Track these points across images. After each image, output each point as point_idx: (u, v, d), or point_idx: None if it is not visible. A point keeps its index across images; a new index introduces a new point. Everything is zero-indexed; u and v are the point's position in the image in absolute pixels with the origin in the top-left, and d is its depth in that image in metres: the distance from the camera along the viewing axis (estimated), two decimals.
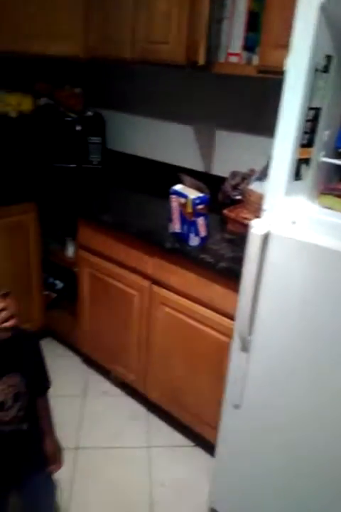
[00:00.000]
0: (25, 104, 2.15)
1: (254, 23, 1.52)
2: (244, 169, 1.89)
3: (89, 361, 2.28)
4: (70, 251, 2.20)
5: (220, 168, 2.09)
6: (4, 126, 2.15)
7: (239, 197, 1.81)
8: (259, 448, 1.31)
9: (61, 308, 2.40)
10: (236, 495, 1.44)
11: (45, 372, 1.20)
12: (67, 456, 1.77)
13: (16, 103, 2.11)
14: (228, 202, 1.85)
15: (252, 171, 1.79)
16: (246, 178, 1.81)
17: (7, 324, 1.00)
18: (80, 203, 2.03)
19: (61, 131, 2.20)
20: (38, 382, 1.17)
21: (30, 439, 1.16)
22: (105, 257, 1.93)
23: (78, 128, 2.16)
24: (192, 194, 1.49)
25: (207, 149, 2.16)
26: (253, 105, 1.90)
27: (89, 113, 2.30)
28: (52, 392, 2.08)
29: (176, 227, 1.60)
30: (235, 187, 1.85)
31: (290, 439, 1.24)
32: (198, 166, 2.20)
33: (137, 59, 1.85)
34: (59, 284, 2.46)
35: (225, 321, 1.53)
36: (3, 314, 1.00)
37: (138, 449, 1.85)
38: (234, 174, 1.90)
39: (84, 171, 2.27)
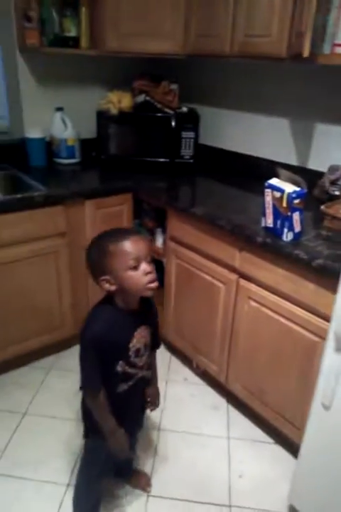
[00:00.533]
0: (125, 101, 2.27)
1: None
2: None
3: (173, 349, 2.36)
4: (159, 241, 2.28)
5: (317, 162, 2.03)
6: (107, 123, 2.31)
7: (337, 192, 1.74)
8: None
9: None
10: (318, 495, 1.40)
11: (158, 332, 1.40)
12: (151, 435, 1.88)
13: (117, 100, 2.24)
14: (325, 198, 1.78)
15: None
16: None
17: (152, 285, 1.15)
18: (171, 195, 2.11)
19: (157, 126, 2.29)
20: (155, 339, 1.36)
21: (147, 384, 1.39)
22: (193, 248, 1.98)
23: (173, 123, 2.23)
24: (289, 188, 1.47)
25: (303, 143, 2.10)
26: None
27: (184, 109, 2.36)
28: None
29: (269, 221, 1.59)
30: (334, 182, 1.78)
31: None
32: (292, 159, 2.15)
33: (236, 53, 1.86)
34: None
35: (316, 319, 1.49)
36: (150, 277, 1.14)
37: (216, 438, 1.88)
38: (333, 169, 1.82)
39: (177, 166, 2.35)
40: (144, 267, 1.12)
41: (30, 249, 1.97)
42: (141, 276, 1.12)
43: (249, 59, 1.89)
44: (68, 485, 1.63)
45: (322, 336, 1.42)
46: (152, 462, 1.76)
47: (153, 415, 1.96)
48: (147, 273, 1.12)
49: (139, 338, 1.23)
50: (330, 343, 1.26)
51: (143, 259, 1.12)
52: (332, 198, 1.71)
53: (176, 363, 2.33)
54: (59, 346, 2.30)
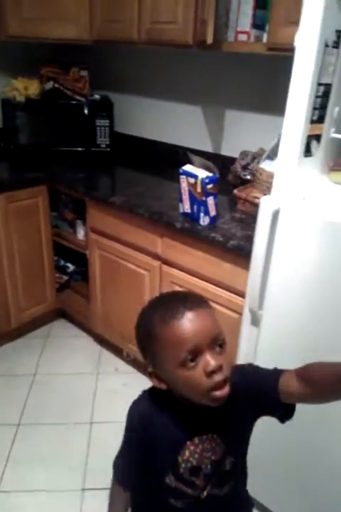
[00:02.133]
0: (32, 88, 2.16)
1: (263, 0, 1.51)
2: (254, 149, 1.90)
3: (102, 340, 2.34)
4: (81, 234, 2.23)
5: (230, 148, 2.11)
6: (13, 111, 2.17)
7: (249, 177, 1.83)
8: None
9: (73, 290, 2.45)
10: None
11: (244, 455, 0.92)
12: (83, 430, 1.85)
13: (23, 87, 2.12)
14: (238, 182, 1.86)
15: (262, 150, 1.80)
16: (256, 157, 1.82)
17: (218, 394, 0.74)
18: (89, 185, 2.06)
19: (69, 114, 2.21)
20: (238, 464, 0.89)
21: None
22: (115, 238, 1.96)
23: (85, 111, 2.17)
24: (202, 174, 1.51)
25: (216, 129, 2.17)
26: (263, 84, 1.90)
27: (97, 96, 2.31)
28: (66, 371, 2.17)
29: (186, 207, 1.62)
30: (245, 167, 1.86)
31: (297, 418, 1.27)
32: (207, 146, 2.21)
33: (144, 40, 1.85)
34: (70, 267, 2.50)
35: (236, 298, 1.56)
36: (217, 379, 0.73)
37: None
38: (244, 154, 1.91)
39: (93, 155, 2.29)
40: (207, 361, 0.72)
41: None
42: (201, 376, 0.73)
43: (157, 46, 1.89)
44: None
45: (240, 312, 1.50)
46: (85, 457, 1.74)
47: (83, 410, 1.95)
48: (210, 372, 0.72)
49: (195, 451, 0.83)
50: (246, 317, 1.33)
51: (205, 348, 0.73)
52: (245, 182, 1.80)
53: (106, 355, 2.32)
54: None
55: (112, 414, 1.93)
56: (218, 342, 0.75)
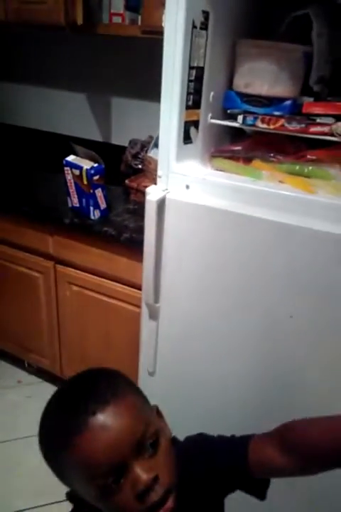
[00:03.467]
0: None
1: None
2: (143, 137, 1.85)
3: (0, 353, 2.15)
4: None
5: (120, 137, 2.02)
6: None
7: (140, 166, 1.77)
8: (176, 415, 1.35)
9: None
10: None
11: None
12: None
13: None
14: (130, 172, 1.80)
15: (150, 138, 1.76)
16: (145, 145, 1.77)
17: (165, 510, 0.55)
18: None
19: None
20: None
21: None
22: (1, 240, 1.78)
23: None
24: (87, 164, 1.42)
25: (103, 118, 2.07)
26: (145, 69, 1.85)
27: None
28: None
29: (74, 201, 1.52)
30: (135, 156, 1.80)
31: (204, 407, 1.29)
32: (96, 135, 2.11)
33: (12, 20, 1.67)
34: None
35: (135, 292, 1.51)
36: (155, 497, 0.54)
37: None
38: (133, 142, 1.84)
39: None
40: (134, 478, 0.53)
41: None
42: (131, 500, 0.54)
43: (29, 28, 1.73)
44: None
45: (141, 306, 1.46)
46: None
47: None
48: (141, 491, 0.53)
49: None
50: (144, 311, 1.30)
51: (129, 460, 0.54)
52: (136, 172, 1.74)
53: (6, 367, 2.12)
54: None
55: (16, 431, 1.79)
56: (148, 441, 0.55)
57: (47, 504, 1.53)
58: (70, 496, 0.65)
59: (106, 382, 0.60)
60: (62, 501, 1.49)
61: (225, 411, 1.25)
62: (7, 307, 1.92)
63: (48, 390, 1.96)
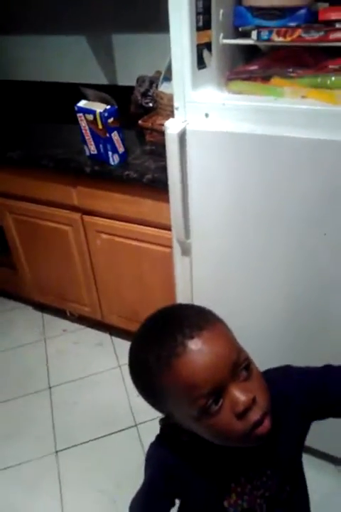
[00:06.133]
0: None
1: None
2: (150, 73, 1.75)
3: (42, 306, 2.25)
4: None
5: (126, 76, 1.93)
6: None
7: (151, 104, 1.70)
8: None
9: None
10: None
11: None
12: (43, 396, 1.82)
13: None
14: (141, 112, 1.73)
15: (159, 73, 1.67)
16: (154, 81, 1.69)
17: (260, 432, 0.57)
18: None
19: None
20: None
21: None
22: (26, 198, 1.80)
23: None
24: (99, 108, 1.38)
25: (107, 58, 1.97)
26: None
27: None
28: (11, 345, 2.08)
29: (92, 148, 1.50)
30: (145, 94, 1.73)
31: (242, 340, 1.32)
32: (102, 79, 2.02)
33: None
34: None
35: (163, 233, 1.51)
36: (255, 416, 0.57)
37: (108, 371, 1.92)
38: (141, 80, 1.76)
39: None
40: (234, 398, 0.56)
41: None
42: (231, 420, 0.56)
43: None
44: None
45: (171, 246, 1.47)
46: (51, 420, 1.73)
47: (39, 377, 1.91)
48: (242, 413, 0.56)
49: (244, 492, 0.68)
50: (176, 249, 1.31)
51: (228, 382, 0.56)
52: (148, 111, 1.68)
53: (50, 319, 2.24)
54: None
55: (69, 373, 1.92)
56: (242, 365, 0.57)
57: (106, 435, 1.66)
58: (164, 423, 0.68)
59: (196, 312, 0.62)
60: (118, 432, 1.63)
61: (264, 344, 1.27)
62: (43, 263, 1.98)
63: (92, 334, 2.11)
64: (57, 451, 1.62)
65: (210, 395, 0.55)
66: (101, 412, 1.75)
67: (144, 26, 1.77)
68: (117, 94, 1.72)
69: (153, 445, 0.73)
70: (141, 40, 1.83)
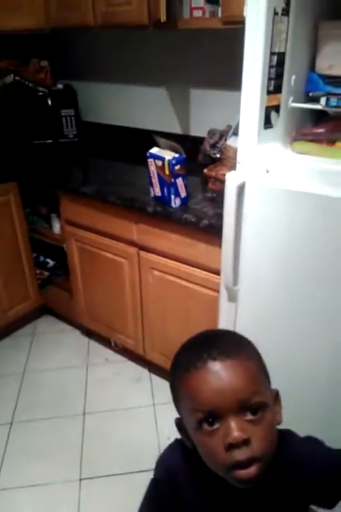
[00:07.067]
0: None
1: None
2: (221, 126, 1.88)
3: (89, 332, 2.34)
4: (56, 227, 2.20)
5: (198, 128, 2.08)
6: None
7: (218, 155, 1.81)
8: None
9: (55, 285, 2.43)
10: None
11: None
12: (77, 421, 1.86)
13: None
14: (208, 161, 1.85)
15: (229, 127, 1.78)
16: (223, 135, 1.81)
17: (242, 475, 0.58)
18: (59, 177, 2.03)
19: (32, 107, 2.16)
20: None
21: None
22: (91, 229, 1.94)
23: (49, 102, 2.12)
24: (169, 155, 1.50)
25: (182, 110, 2.14)
26: (224, 59, 1.87)
27: (60, 86, 2.25)
28: (55, 366, 2.17)
29: (157, 190, 1.61)
30: (214, 145, 1.85)
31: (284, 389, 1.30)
32: (176, 128, 2.19)
33: (100, 24, 1.81)
34: (50, 262, 2.48)
35: (213, 276, 1.56)
36: (240, 456, 0.57)
37: (143, 408, 1.93)
38: (211, 132, 1.89)
39: (61, 146, 2.25)
40: (227, 429, 0.58)
41: None
42: (218, 446, 0.58)
43: (114, 29, 1.85)
44: None
45: (218, 290, 1.51)
46: (80, 446, 1.76)
47: (76, 401, 1.96)
48: (228, 445, 0.57)
49: None
50: (223, 294, 1.34)
51: (228, 413, 0.58)
52: (215, 161, 1.78)
53: (95, 346, 2.32)
54: None
55: (104, 403, 1.96)
56: (250, 406, 0.58)
57: (131, 472, 1.65)
58: (177, 423, 0.71)
59: (232, 341, 0.67)
60: (143, 471, 1.62)
61: (300, 404, 1.25)
62: (97, 290, 2.10)
63: (132, 368, 2.15)
64: (81, 479, 1.63)
65: (208, 414, 0.59)
66: (129, 448, 1.75)
67: (220, 83, 1.92)
68: (188, 143, 1.85)
69: (167, 449, 0.77)
70: (215, 95, 1.97)
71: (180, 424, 0.69)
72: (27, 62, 2.19)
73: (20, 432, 1.83)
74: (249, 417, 0.58)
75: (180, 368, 0.65)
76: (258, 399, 0.59)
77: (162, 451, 0.78)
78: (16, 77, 2.17)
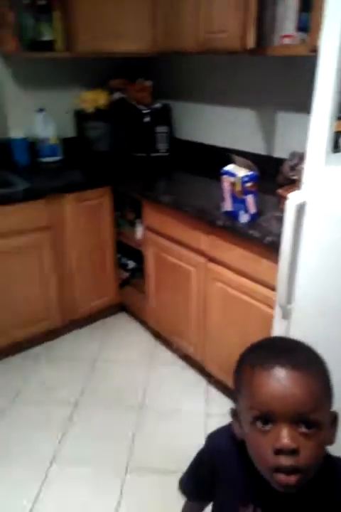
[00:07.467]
0: (101, 99, 2.39)
1: (307, 3, 1.54)
2: (304, 150, 1.89)
3: (158, 336, 2.47)
4: (139, 232, 2.39)
5: (282, 150, 2.12)
6: (84, 121, 2.43)
7: (296, 177, 1.83)
8: None
9: (133, 285, 2.62)
10: None
11: None
12: (132, 413, 1.98)
13: (92, 99, 2.36)
14: (286, 183, 1.87)
15: None
16: (303, 157, 1.82)
17: (283, 479, 0.62)
18: (145, 187, 2.22)
19: (132, 123, 2.41)
20: None
21: None
22: (166, 236, 2.08)
23: (146, 119, 2.34)
24: (241, 173, 1.57)
25: (268, 132, 2.20)
26: (311, 84, 1.89)
27: (157, 105, 2.47)
28: (123, 360, 2.32)
29: (227, 205, 1.69)
30: (293, 167, 1.87)
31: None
32: (260, 149, 2.25)
33: (199, 49, 1.97)
34: (131, 264, 2.68)
35: (273, 294, 1.57)
36: (285, 462, 0.61)
37: (194, 415, 1.98)
38: (293, 155, 1.92)
39: (153, 159, 2.46)
40: (278, 434, 0.61)
41: (15, 244, 2.10)
42: (267, 447, 0.62)
43: (211, 54, 2.00)
44: None
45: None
46: (131, 435, 1.86)
47: (135, 394, 2.09)
48: (277, 450, 0.61)
49: None
50: (277, 311, 1.36)
51: (282, 419, 0.61)
52: (292, 183, 1.80)
53: (160, 348, 2.44)
54: (46, 337, 2.42)
55: (160, 402, 2.05)
56: (305, 420, 0.60)
57: (175, 472, 1.69)
58: (232, 413, 0.75)
59: (306, 355, 0.69)
60: None
61: None
62: (166, 295, 2.22)
63: (191, 375, 2.21)
64: (126, 470, 1.71)
65: (264, 415, 0.62)
66: (176, 449, 1.80)
67: (305, 108, 1.93)
68: (271, 164, 1.89)
69: (220, 428, 0.83)
70: (300, 119, 1.99)
71: (233, 413, 0.73)
72: (134, 80, 2.45)
73: (82, 414, 1.99)
74: (303, 429, 0.61)
75: (247, 363, 0.68)
76: (315, 416, 0.61)
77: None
78: (123, 95, 2.44)
